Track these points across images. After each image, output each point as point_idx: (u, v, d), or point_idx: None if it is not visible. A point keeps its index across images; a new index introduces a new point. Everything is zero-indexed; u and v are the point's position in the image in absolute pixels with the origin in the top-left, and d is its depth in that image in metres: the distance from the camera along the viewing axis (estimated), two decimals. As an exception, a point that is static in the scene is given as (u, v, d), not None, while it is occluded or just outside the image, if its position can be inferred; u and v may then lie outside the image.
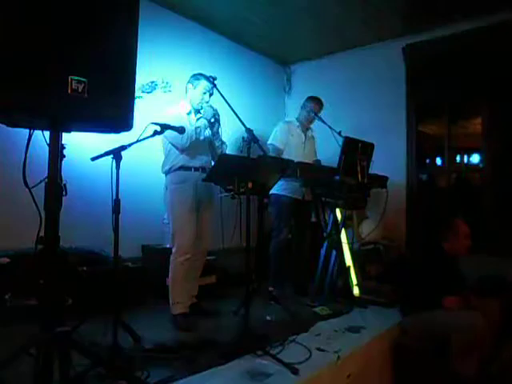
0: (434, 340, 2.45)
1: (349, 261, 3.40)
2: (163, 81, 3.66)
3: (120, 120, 1.54)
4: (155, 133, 2.27)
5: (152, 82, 3.61)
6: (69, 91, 1.35)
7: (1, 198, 2.78)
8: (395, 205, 3.83)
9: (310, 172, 3.15)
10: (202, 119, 2.75)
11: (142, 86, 3.54)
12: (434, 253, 2.76)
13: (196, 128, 2.68)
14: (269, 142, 3.64)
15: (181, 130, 2.43)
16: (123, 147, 2.11)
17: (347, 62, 4.85)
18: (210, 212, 2.85)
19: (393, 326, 2.71)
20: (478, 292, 2.82)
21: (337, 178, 3.04)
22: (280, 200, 3.56)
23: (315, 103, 3.70)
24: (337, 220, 3.39)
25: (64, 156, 1.57)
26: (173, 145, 2.68)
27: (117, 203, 2.11)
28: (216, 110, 2.75)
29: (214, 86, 2.65)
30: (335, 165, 3.07)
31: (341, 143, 3.11)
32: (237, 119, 2.39)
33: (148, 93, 3.59)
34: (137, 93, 1.72)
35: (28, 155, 1.50)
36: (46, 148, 1.52)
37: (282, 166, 2.59)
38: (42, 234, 1.49)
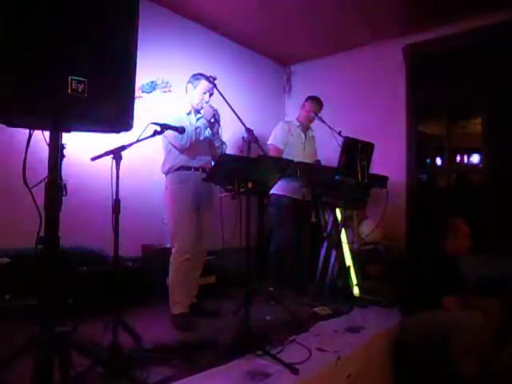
0: (434, 340, 2.45)
1: (349, 261, 3.39)
2: (163, 81, 3.66)
3: (120, 120, 1.54)
4: (155, 133, 2.27)
5: (152, 82, 3.61)
6: (69, 91, 1.35)
7: (1, 198, 2.78)
8: (395, 205, 3.83)
9: (309, 172, 3.15)
10: (201, 119, 2.76)
11: (142, 85, 3.54)
12: (434, 253, 2.76)
13: (196, 128, 2.68)
14: (269, 142, 3.64)
15: (181, 130, 2.43)
16: (123, 147, 2.11)
17: (347, 62, 4.85)
18: (209, 212, 2.85)
19: (393, 326, 2.71)
20: (478, 292, 2.82)
21: (337, 177, 3.04)
22: (280, 200, 3.56)
23: (315, 103, 3.70)
24: (337, 220, 3.39)
25: (64, 156, 1.58)
26: (173, 145, 2.68)
27: (117, 203, 2.11)
28: (216, 110, 2.75)
29: (214, 85, 2.65)
30: (335, 165, 3.07)
31: (341, 143, 3.11)
32: (237, 119, 2.39)
33: (148, 93, 3.59)
34: (137, 93, 1.72)
35: (28, 155, 1.51)
36: (46, 148, 1.52)
37: (282, 166, 2.59)
38: (42, 233, 1.49)
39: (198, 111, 2.83)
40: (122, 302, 2.16)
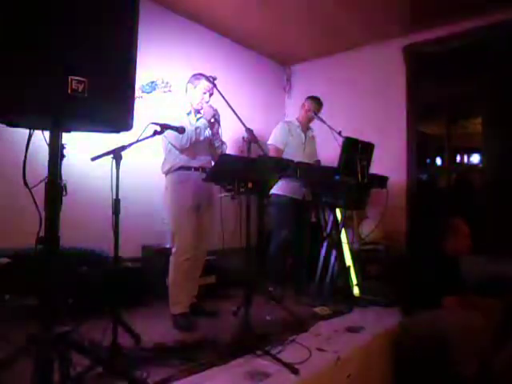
0: (433, 340, 2.45)
1: (349, 261, 3.39)
2: (163, 81, 3.66)
3: (120, 120, 1.54)
4: (155, 133, 2.27)
5: (152, 82, 3.61)
6: (69, 91, 1.35)
7: (1, 198, 2.78)
8: (395, 205, 3.83)
9: (309, 172, 3.15)
10: (201, 119, 2.76)
11: (142, 86, 3.54)
12: (434, 253, 2.76)
13: (196, 128, 2.68)
14: (269, 142, 3.65)
15: (181, 130, 2.43)
16: (123, 147, 2.11)
17: (347, 62, 4.85)
18: (209, 212, 2.85)
19: (393, 326, 2.71)
20: (478, 292, 2.82)
21: (337, 177, 3.04)
22: (280, 200, 3.56)
23: (315, 103, 3.71)
24: (337, 220, 3.39)
25: (64, 156, 1.57)
26: (173, 145, 2.68)
27: (117, 203, 2.11)
28: (216, 110, 2.75)
29: (214, 85, 2.65)
30: (335, 165, 3.07)
31: (341, 143, 3.12)
32: (237, 119, 2.39)
33: (148, 93, 3.59)
34: (137, 93, 1.72)
35: (28, 155, 1.50)
36: (46, 148, 1.52)
37: (282, 166, 2.59)
38: (42, 234, 1.49)
39: (198, 111, 2.83)
40: (122, 302, 2.16)
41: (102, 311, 2.11)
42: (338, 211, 3.40)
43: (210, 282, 3.46)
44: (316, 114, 3.66)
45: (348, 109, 4.67)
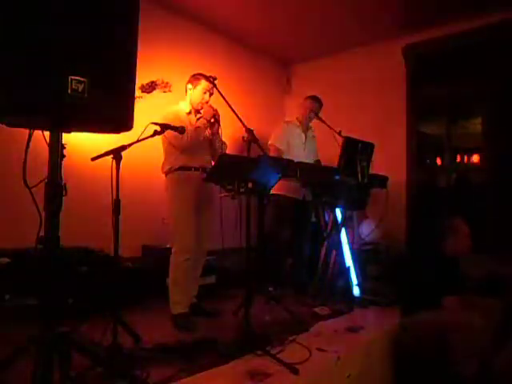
0: (433, 340, 2.45)
1: (349, 261, 3.39)
2: (163, 81, 3.66)
3: (120, 120, 1.54)
4: (155, 133, 2.28)
5: (152, 82, 3.61)
6: (69, 91, 1.35)
7: (1, 198, 2.78)
8: (395, 205, 3.83)
9: (310, 172, 3.15)
10: (201, 119, 2.76)
11: (142, 86, 3.54)
12: (434, 253, 2.76)
13: (196, 128, 2.68)
14: (269, 142, 3.65)
15: (181, 130, 2.43)
16: (123, 147, 2.11)
17: (347, 62, 4.85)
18: (210, 212, 2.85)
19: (393, 326, 2.71)
20: (478, 292, 2.82)
21: (337, 177, 3.04)
22: (280, 200, 3.56)
23: (314, 102, 3.71)
24: (337, 220, 3.39)
25: (64, 156, 1.57)
26: (173, 145, 2.68)
27: (117, 203, 2.11)
28: (216, 110, 2.75)
29: (214, 85, 2.65)
30: (335, 165, 3.07)
31: (341, 143, 3.11)
32: (237, 119, 2.39)
33: (148, 93, 3.59)
34: (137, 93, 1.72)
35: (28, 155, 1.50)
36: (46, 148, 1.52)
37: (282, 166, 2.59)
38: (42, 233, 1.49)
39: (198, 111, 2.83)
40: (122, 302, 2.16)
41: (102, 311, 2.11)
42: (337, 211, 3.40)
43: (209, 282, 3.46)
44: (316, 114, 3.66)
45: (348, 109, 4.66)
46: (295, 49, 4.94)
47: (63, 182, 1.54)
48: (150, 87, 3.58)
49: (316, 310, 2.96)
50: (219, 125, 2.78)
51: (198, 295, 2.95)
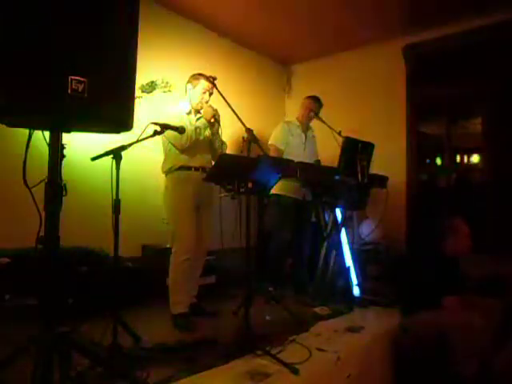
0: (433, 340, 2.45)
1: (349, 261, 3.39)
2: (163, 81, 3.66)
3: (120, 120, 1.54)
4: (155, 133, 2.28)
5: (152, 82, 3.61)
6: (69, 91, 1.35)
7: (1, 198, 2.78)
8: (395, 205, 3.83)
9: (310, 172, 3.15)
10: (201, 119, 2.76)
11: (142, 86, 3.54)
12: (433, 253, 2.76)
13: (196, 128, 2.69)
14: (269, 142, 3.65)
15: (181, 129, 2.43)
16: (123, 147, 2.11)
17: (347, 62, 4.85)
18: (209, 212, 2.85)
19: (393, 326, 2.71)
20: (478, 292, 2.82)
21: (337, 177, 3.04)
22: (280, 200, 3.56)
23: (314, 102, 3.71)
24: (337, 220, 3.39)
25: (64, 156, 1.57)
26: (173, 145, 2.68)
27: (117, 203, 2.11)
28: (216, 110, 2.75)
29: (214, 85, 2.65)
30: (335, 165, 3.07)
31: (341, 143, 3.11)
32: (237, 119, 2.39)
33: (148, 93, 3.59)
34: (137, 93, 1.72)
35: (28, 155, 1.50)
36: (46, 148, 1.52)
37: (282, 166, 2.59)
38: (42, 233, 1.49)
39: (197, 111, 2.83)
40: (122, 302, 2.16)
41: (102, 311, 2.11)
42: (337, 211, 3.40)
43: (209, 282, 3.45)
44: (316, 114, 3.66)
45: (348, 109, 4.66)
46: (295, 49, 4.94)
47: (63, 182, 1.54)
48: (150, 87, 3.58)
49: (316, 309, 2.96)
50: (219, 125, 2.79)
51: (198, 295, 2.95)
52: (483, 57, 3.90)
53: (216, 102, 2.74)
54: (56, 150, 1.52)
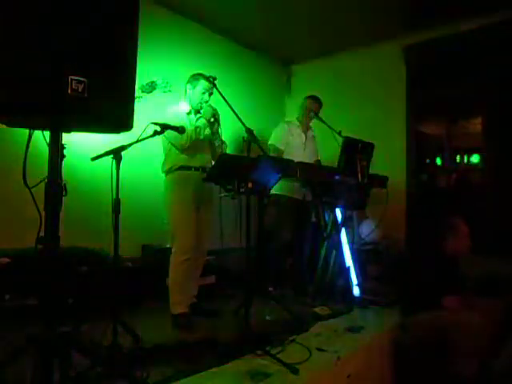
0: (433, 340, 2.45)
1: (349, 261, 3.39)
2: (163, 81, 3.66)
3: (120, 120, 1.54)
4: (155, 133, 2.28)
5: (152, 82, 3.61)
6: (69, 91, 1.35)
7: (1, 198, 2.78)
8: (395, 205, 3.82)
9: (310, 172, 3.15)
10: (201, 119, 2.76)
11: (142, 86, 3.54)
12: (434, 253, 2.76)
13: (196, 128, 2.68)
14: (269, 142, 3.65)
15: (181, 129, 2.43)
16: (123, 147, 2.11)
17: (347, 62, 4.85)
18: (209, 212, 2.85)
19: (393, 326, 2.71)
20: (478, 292, 2.82)
21: (337, 177, 3.04)
22: (280, 200, 3.56)
23: (314, 102, 3.70)
24: (337, 220, 3.39)
25: (64, 156, 1.57)
26: (173, 145, 2.68)
27: (117, 203, 2.11)
28: (215, 110, 2.75)
29: (214, 85, 2.65)
30: (335, 165, 3.07)
31: (341, 143, 3.11)
32: (237, 119, 2.39)
33: (148, 93, 3.59)
34: (137, 93, 1.72)
35: (28, 155, 1.50)
36: (46, 148, 1.52)
37: (282, 166, 2.59)
38: (42, 234, 1.49)
39: (197, 111, 2.83)
40: (122, 302, 2.16)
41: (102, 311, 2.11)
42: (337, 211, 3.40)
43: (209, 282, 3.45)
44: (316, 114, 3.66)
45: (348, 109, 4.67)
46: (295, 49, 4.94)
47: (63, 182, 1.54)
48: (150, 87, 3.58)
49: (316, 309, 2.95)
50: (219, 124, 2.78)
51: (198, 295, 2.95)
52: (483, 57, 3.90)
53: (216, 101, 2.74)
54: (56, 150, 1.52)
